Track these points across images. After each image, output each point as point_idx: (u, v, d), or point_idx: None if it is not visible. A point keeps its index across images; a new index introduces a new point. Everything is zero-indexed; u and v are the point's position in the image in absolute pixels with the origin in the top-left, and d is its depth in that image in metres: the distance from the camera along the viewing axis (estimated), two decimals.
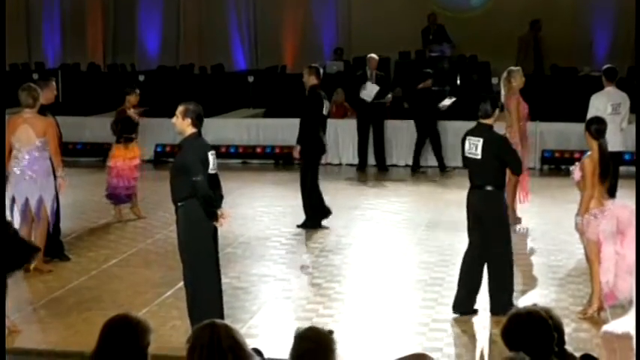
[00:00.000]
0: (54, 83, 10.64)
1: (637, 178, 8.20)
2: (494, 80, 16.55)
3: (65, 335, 7.89)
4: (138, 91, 12.37)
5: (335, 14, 23.23)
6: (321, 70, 12.07)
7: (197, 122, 7.67)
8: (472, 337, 7.90)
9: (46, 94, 10.15)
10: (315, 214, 11.87)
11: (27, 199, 9.64)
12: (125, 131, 12.12)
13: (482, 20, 21.42)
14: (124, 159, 12.14)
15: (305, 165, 11.88)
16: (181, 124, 7.68)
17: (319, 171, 12.01)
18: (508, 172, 11.96)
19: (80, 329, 8.02)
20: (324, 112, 11.86)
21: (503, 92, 11.95)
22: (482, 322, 8.27)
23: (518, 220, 12.02)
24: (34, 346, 7.66)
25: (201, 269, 7.67)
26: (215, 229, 7.73)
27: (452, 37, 20.41)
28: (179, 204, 7.67)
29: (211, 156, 7.65)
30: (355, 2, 22.89)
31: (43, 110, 9.92)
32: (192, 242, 7.65)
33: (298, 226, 11.85)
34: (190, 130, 7.68)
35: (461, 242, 10.58)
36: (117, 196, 12.20)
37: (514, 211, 12.14)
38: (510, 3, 21.36)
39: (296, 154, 11.92)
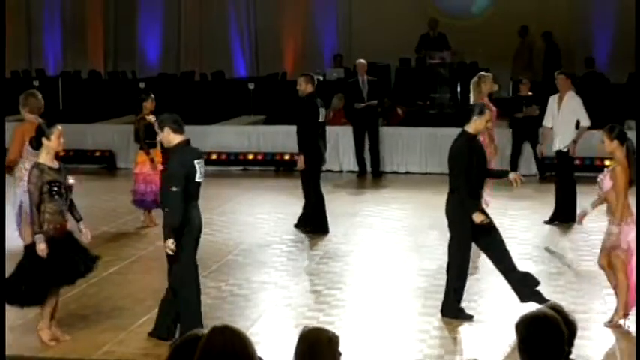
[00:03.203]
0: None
1: (637, 179, 8.18)
2: (495, 87, 16.52)
3: (65, 342, 7.87)
4: (153, 96, 12.38)
5: (335, 21, 23.25)
6: (315, 78, 12.12)
7: (175, 127, 7.58)
8: (473, 344, 7.89)
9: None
10: (318, 219, 11.90)
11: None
12: (148, 137, 12.12)
13: (483, 27, 21.42)
14: (150, 165, 12.17)
15: (305, 174, 11.85)
16: (164, 137, 7.68)
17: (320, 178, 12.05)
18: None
19: (80, 336, 8.02)
20: (320, 119, 11.85)
21: (472, 96, 12.03)
22: (484, 328, 8.26)
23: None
24: (34, 352, 7.65)
25: (183, 276, 7.67)
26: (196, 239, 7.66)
27: (452, 44, 20.38)
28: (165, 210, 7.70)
29: (198, 164, 7.55)
30: (355, 9, 22.91)
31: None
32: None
33: (295, 226, 12.01)
34: (176, 139, 7.62)
35: None
36: (144, 202, 12.26)
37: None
38: (511, 10, 21.36)
39: (301, 163, 11.71)
